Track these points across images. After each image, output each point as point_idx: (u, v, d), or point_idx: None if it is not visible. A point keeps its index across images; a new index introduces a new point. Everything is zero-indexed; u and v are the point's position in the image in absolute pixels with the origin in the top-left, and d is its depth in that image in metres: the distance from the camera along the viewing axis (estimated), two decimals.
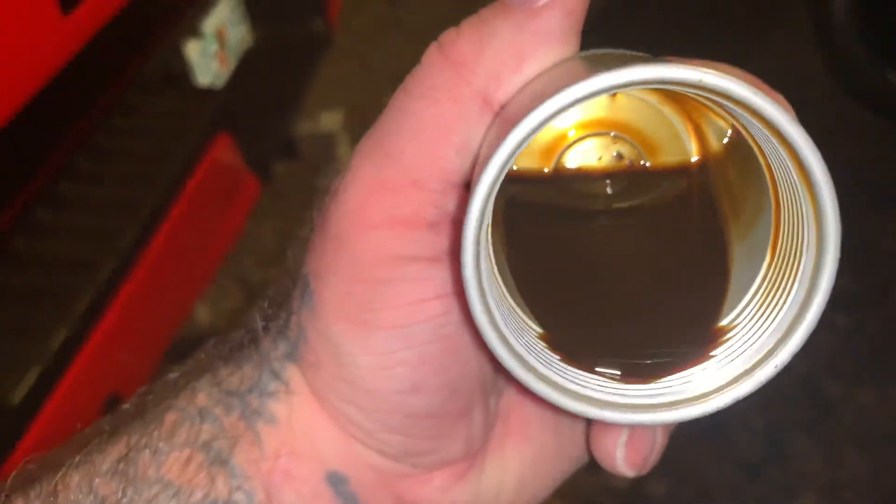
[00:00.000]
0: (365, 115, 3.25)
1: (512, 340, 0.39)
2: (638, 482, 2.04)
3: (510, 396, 0.51)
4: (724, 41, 3.22)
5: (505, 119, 0.38)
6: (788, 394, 2.25)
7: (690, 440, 2.10)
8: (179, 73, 1.72)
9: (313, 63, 2.18)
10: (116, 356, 1.29)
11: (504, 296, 0.42)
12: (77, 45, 1.27)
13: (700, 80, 0.34)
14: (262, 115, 1.99)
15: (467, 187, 0.41)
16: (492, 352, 0.38)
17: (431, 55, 0.41)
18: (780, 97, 0.40)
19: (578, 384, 0.41)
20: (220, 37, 1.88)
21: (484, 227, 0.37)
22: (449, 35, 0.41)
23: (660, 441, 0.48)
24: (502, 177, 0.36)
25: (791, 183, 0.38)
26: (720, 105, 0.37)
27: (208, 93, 1.75)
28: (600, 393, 0.40)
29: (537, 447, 0.51)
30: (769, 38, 3.30)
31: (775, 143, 0.36)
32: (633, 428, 0.46)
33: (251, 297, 2.58)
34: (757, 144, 0.40)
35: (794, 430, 2.17)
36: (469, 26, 0.40)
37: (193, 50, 1.77)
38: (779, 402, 2.23)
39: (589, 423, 0.50)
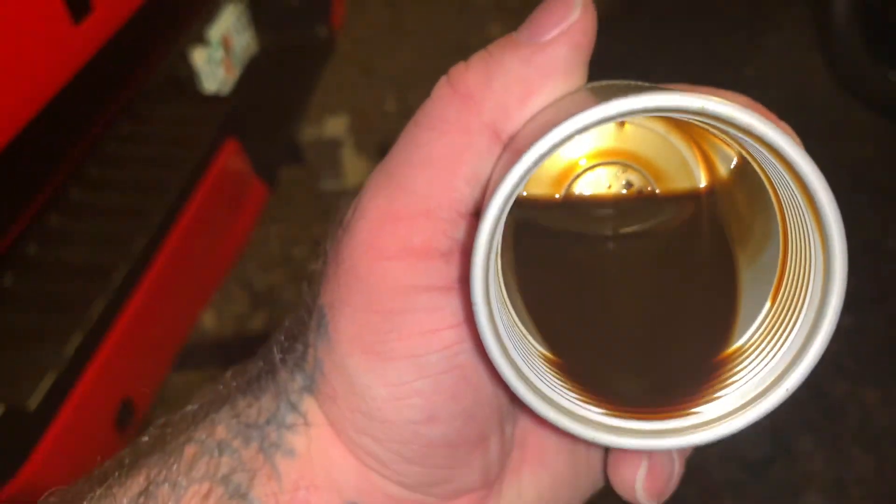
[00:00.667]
0: (368, 119, 3.26)
1: (522, 366, 0.39)
2: None
3: (526, 423, 0.51)
4: (726, 41, 3.23)
5: (513, 150, 0.39)
6: (793, 394, 2.25)
7: None
8: (186, 79, 1.73)
9: (317, 69, 2.20)
10: (129, 362, 1.30)
11: (515, 322, 0.42)
12: (87, 53, 1.29)
13: (702, 108, 0.34)
14: (268, 120, 2.00)
15: (477, 216, 0.42)
16: (502, 377, 0.39)
17: (441, 89, 0.41)
18: (786, 125, 0.41)
19: (589, 410, 0.41)
20: (225, 44, 1.89)
21: (493, 254, 0.37)
22: (458, 69, 0.41)
23: (677, 469, 0.48)
24: (510, 205, 0.36)
25: (797, 208, 0.38)
26: (725, 132, 0.37)
27: (215, 99, 1.77)
28: (612, 419, 0.41)
29: (554, 473, 0.51)
30: (770, 39, 3.31)
31: (780, 168, 0.36)
32: (651, 457, 0.47)
33: (256, 302, 2.59)
34: (763, 171, 0.40)
35: (799, 430, 2.18)
36: (477, 60, 0.41)
37: (200, 57, 1.78)
38: (783, 402, 2.24)
39: (606, 451, 0.50)
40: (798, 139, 0.40)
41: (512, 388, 0.39)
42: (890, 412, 2.20)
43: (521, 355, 0.40)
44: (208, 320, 2.47)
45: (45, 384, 1.10)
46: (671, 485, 0.48)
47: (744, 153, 0.41)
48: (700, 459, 2.10)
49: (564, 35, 0.39)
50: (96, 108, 1.41)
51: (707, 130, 0.41)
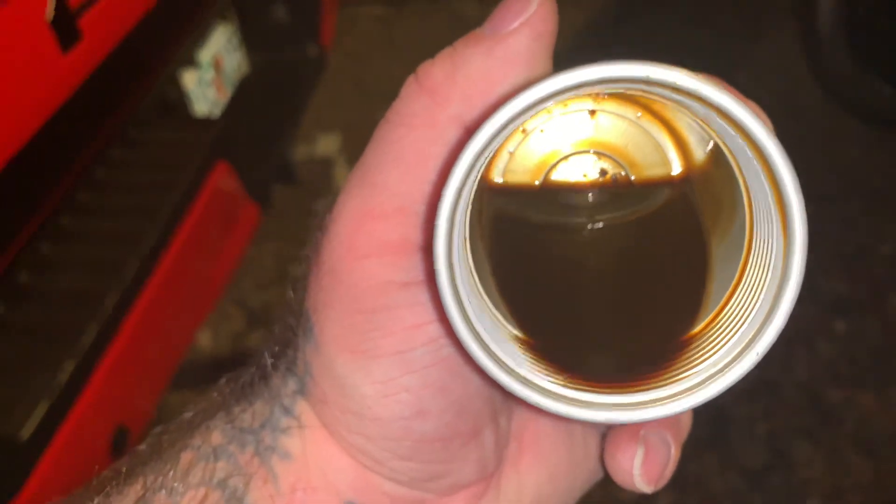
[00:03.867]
0: (361, 136, 3.25)
1: (491, 343, 0.40)
2: (644, 495, 2.05)
3: (522, 415, 0.51)
4: (715, 51, 3.24)
5: (468, 132, 0.39)
6: (790, 401, 2.26)
7: (694, 451, 2.11)
8: (177, 102, 1.74)
9: (309, 86, 2.20)
10: (123, 388, 1.30)
11: (488, 307, 0.43)
12: (77, 81, 1.29)
13: (647, 76, 0.34)
14: (259, 141, 2.01)
15: None
16: (467, 352, 0.39)
17: (409, 86, 0.42)
18: (740, 95, 0.41)
19: (563, 387, 0.41)
20: (216, 65, 1.90)
21: (456, 232, 0.37)
22: (424, 66, 0.42)
23: (674, 454, 0.48)
24: (469, 185, 0.37)
25: (756, 175, 0.38)
26: (682, 104, 0.37)
27: (206, 122, 1.77)
28: (584, 394, 0.41)
29: (552, 464, 0.52)
30: (762, 46, 3.33)
31: (735, 135, 0.36)
32: (647, 443, 0.47)
33: (252, 320, 2.59)
34: (725, 145, 0.40)
35: (796, 437, 2.18)
36: (442, 56, 0.42)
37: (190, 79, 1.79)
38: (780, 409, 2.24)
39: (603, 439, 0.51)
40: (762, 114, 0.40)
41: (476, 361, 0.39)
42: (887, 417, 2.20)
43: (492, 337, 0.40)
44: (204, 339, 2.47)
45: (38, 413, 1.10)
46: (668, 470, 0.48)
47: (712, 134, 0.41)
48: (699, 470, 2.10)
49: (524, 25, 0.40)
50: (87, 135, 1.42)
51: (677, 111, 0.41)
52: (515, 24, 0.40)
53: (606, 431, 0.51)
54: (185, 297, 1.55)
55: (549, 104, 0.37)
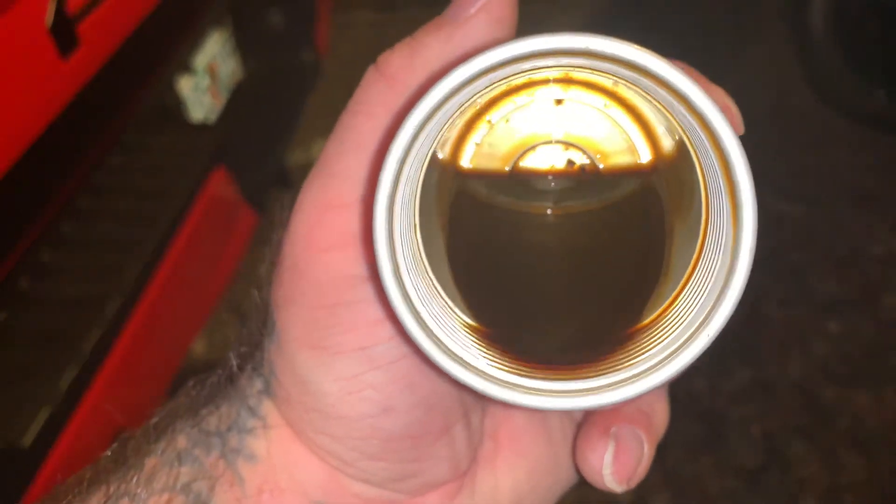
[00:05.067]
0: None
1: (434, 326, 0.38)
2: (640, 496, 2.06)
3: (496, 412, 0.50)
4: (707, 55, 3.26)
5: (402, 113, 0.39)
6: (784, 400, 2.27)
7: (689, 452, 2.12)
8: (173, 108, 1.74)
9: (304, 93, 2.21)
10: (124, 393, 1.30)
11: (438, 293, 0.41)
12: (75, 87, 1.29)
13: (587, 47, 0.34)
14: (256, 146, 2.01)
15: None
16: (414, 343, 0.37)
17: (369, 74, 0.42)
18: (703, 79, 0.40)
19: (516, 374, 0.40)
20: (211, 71, 1.90)
21: (399, 222, 0.36)
22: (384, 54, 0.42)
23: (647, 452, 0.46)
24: (410, 167, 0.36)
25: (706, 152, 0.37)
26: (650, 94, 0.37)
27: (203, 128, 1.77)
28: (532, 381, 0.39)
29: (531, 461, 0.50)
30: (752, 49, 3.35)
31: (684, 112, 0.36)
32: (618, 441, 0.46)
33: None
34: (685, 131, 0.40)
35: (791, 436, 2.19)
36: (402, 44, 0.41)
37: (186, 85, 1.79)
38: (775, 409, 2.26)
39: (575, 440, 0.49)
40: (721, 95, 0.40)
41: (420, 347, 0.37)
42: (881, 415, 2.21)
43: (441, 325, 0.39)
44: (198, 345, 2.46)
45: (40, 420, 1.10)
46: (641, 468, 0.46)
47: (667, 114, 0.40)
48: (694, 471, 2.11)
49: (482, 11, 0.40)
50: (85, 142, 1.42)
51: (638, 97, 0.41)
52: (473, 10, 0.40)
53: (581, 424, 0.49)
54: (183, 302, 1.55)
55: (491, 80, 0.36)
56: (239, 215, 1.81)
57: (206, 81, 1.88)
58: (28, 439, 1.08)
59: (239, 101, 1.97)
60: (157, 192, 1.48)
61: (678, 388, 0.56)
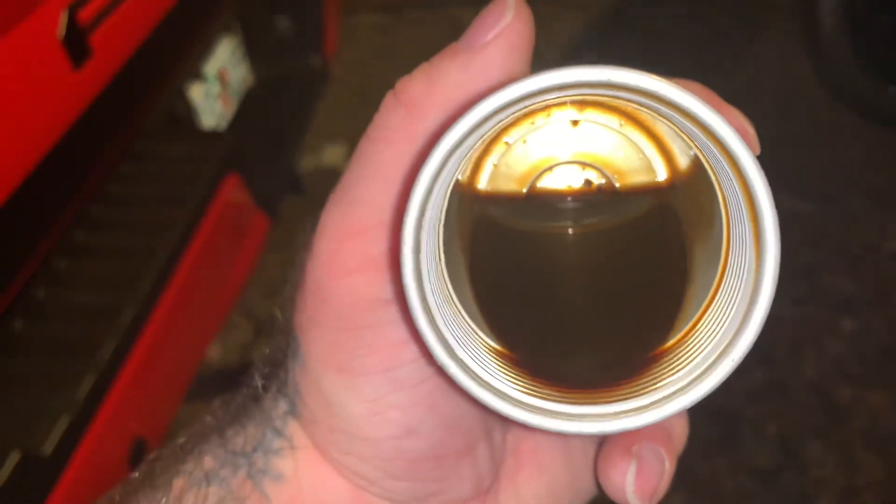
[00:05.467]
0: None
1: (457, 349, 0.39)
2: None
3: (517, 429, 0.51)
4: (717, 50, 3.26)
5: (431, 142, 0.39)
6: (799, 400, 2.26)
7: (704, 453, 2.11)
8: (184, 116, 1.75)
9: (313, 98, 2.22)
10: (141, 400, 1.30)
11: (461, 314, 0.42)
12: (88, 97, 1.30)
13: (608, 79, 0.34)
14: (267, 152, 2.02)
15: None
16: (441, 367, 0.38)
17: (387, 101, 0.42)
18: (719, 101, 0.41)
19: (540, 397, 0.40)
20: (222, 78, 1.91)
21: (426, 247, 0.37)
22: (402, 80, 0.42)
23: (668, 469, 0.47)
24: (438, 192, 0.37)
25: (728, 178, 0.37)
26: (668, 119, 0.37)
27: (214, 135, 1.78)
28: (558, 405, 0.40)
29: (551, 477, 0.51)
30: (761, 45, 3.34)
31: (708, 141, 0.36)
32: (640, 458, 0.46)
33: (259, 330, 2.59)
34: (705, 157, 0.40)
35: (807, 436, 2.18)
36: (419, 71, 0.42)
37: (197, 92, 1.80)
38: (790, 409, 2.25)
39: (597, 458, 0.50)
40: (739, 119, 0.40)
41: (446, 372, 0.38)
42: None
43: (465, 347, 0.39)
44: (213, 351, 2.48)
45: (59, 428, 1.11)
46: (662, 485, 0.47)
47: (685, 138, 0.40)
48: (710, 471, 2.11)
49: (499, 38, 0.40)
50: (99, 151, 1.43)
51: (658, 119, 0.41)
52: (490, 37, 0.40)
53: (602, 442, 0.50)
54: (198, 309, 1.56)
55: (515, 110, 0.37)
56: (251, 220, 1.81)
57: (216, 88, 1.89)
58: (48, 447, 1.09)
59: (249, 107, 1.98)
60: (171, 199, 1.49)
61: None
